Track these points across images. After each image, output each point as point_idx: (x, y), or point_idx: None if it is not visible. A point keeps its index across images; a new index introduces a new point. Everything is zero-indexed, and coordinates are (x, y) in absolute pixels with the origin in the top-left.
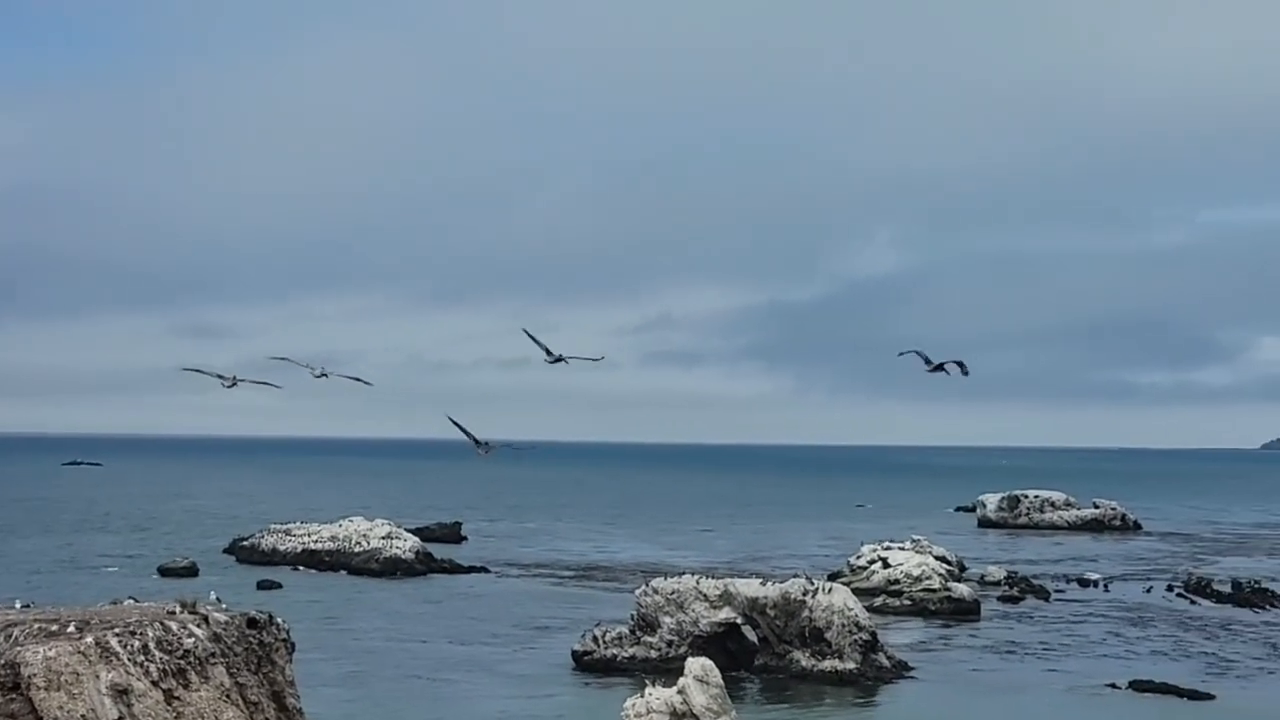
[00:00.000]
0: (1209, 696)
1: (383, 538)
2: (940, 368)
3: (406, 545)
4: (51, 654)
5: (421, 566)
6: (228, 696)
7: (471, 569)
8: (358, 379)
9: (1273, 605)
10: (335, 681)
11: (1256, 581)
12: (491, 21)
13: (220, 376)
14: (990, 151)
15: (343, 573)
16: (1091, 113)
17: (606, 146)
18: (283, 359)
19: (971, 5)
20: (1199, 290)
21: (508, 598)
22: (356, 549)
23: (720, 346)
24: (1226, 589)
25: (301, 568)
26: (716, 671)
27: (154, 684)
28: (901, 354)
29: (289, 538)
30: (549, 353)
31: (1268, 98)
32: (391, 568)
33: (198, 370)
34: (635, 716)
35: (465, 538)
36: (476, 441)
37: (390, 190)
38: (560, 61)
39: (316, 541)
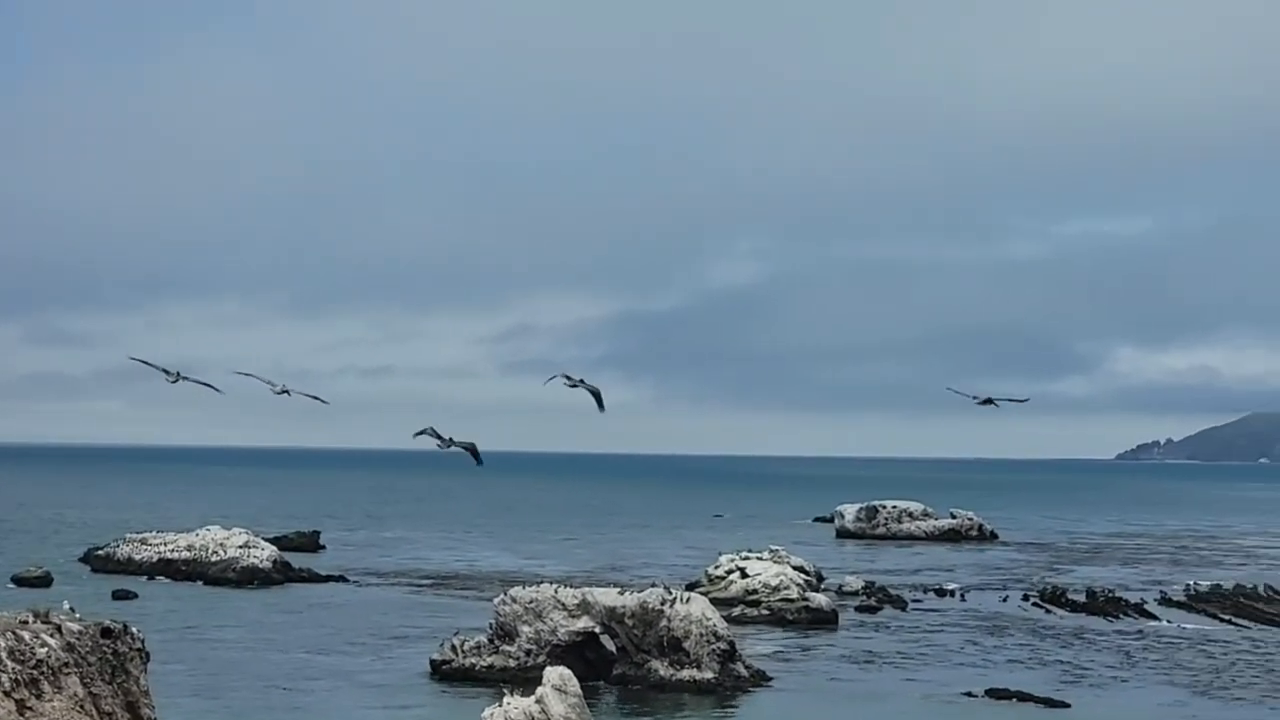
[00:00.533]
0: (1064, 704)
1: (240, 547)
2: (989, 401)
3: (264, 554)
4: None
5: (279, 576)
6: (81, 707)
7: (330, 578)
8: (316, 397)
9: (1126, 614)
10: (191, 691)
11: (1110, 590)
12: (350, 27)
13: (165, 371)
14: (852, 161)
15: (199, 582)
16: (953, 125)
17: (467, 153)
18: (246, 374)
19: (838, 17)
20: (1057, 302)
21: (366, 607)
22: (213, 558)
23: (579, 355)
24: (1081, 598)
25: (158, 577)
26: (575, 681)
27: (6, 694)
28: (949, 389)
29: (145, 547)
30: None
31: (1124, 113)
32: (249, 577)
33: (144, 362)
34: None
35: (324, 546)
36: (451, 442)
37: (248, 198)
38: (421, 66)
39: (173, 551)
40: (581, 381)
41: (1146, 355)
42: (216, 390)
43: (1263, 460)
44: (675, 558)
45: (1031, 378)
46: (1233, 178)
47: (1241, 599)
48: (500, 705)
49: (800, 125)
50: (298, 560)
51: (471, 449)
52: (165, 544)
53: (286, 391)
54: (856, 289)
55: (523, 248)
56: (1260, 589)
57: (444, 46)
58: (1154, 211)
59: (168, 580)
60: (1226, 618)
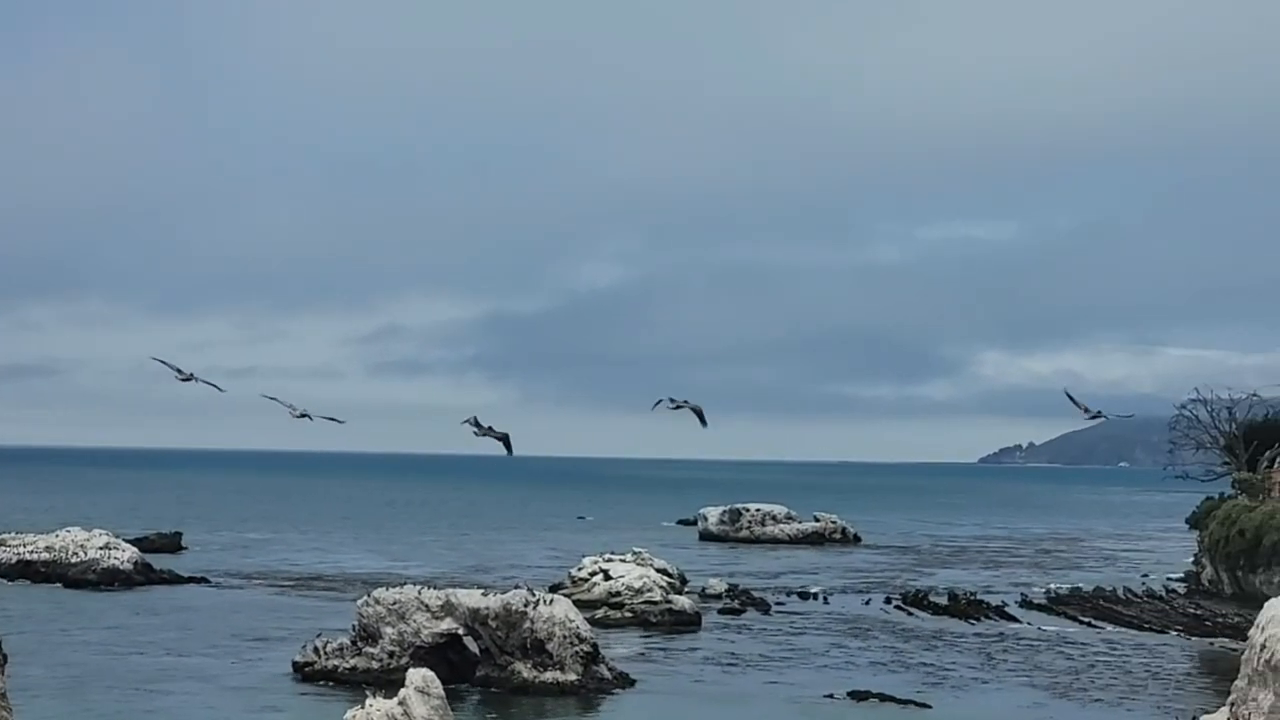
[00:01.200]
0: (925, 705)
1: (100, 548)
2: (1099, 414)
3: (125, 555)
4: None
5: (140, 577)
6: None
7: (192, 579)
8: (333, 418)
9: (987, 616)
10: (50, 694)
11: (972, 593)
12: (217, 23)
13: (178, 370)
14: (719, 164)
15: (59, 584)
16: (818, 128)
17: (335, 152)
18: (271, 398)
19: (705, 18)
20: (922, 305)
21: (228, 608)
22: (73, 559)
23: (446, 357)
24: (943, 601)
25: (18, 580)
26: (438, 683)
27: None
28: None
29: (3, 549)
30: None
31: (989, 118)
32: (109, 578)
33: (164, 362)
34: None
35: (186, 548)
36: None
37: (113, 197)
38: (290, 65)
39: (32, 552)
40: (685, 403)
41: (1011, 359)
42: (220, 389)
43: (1122, 464)
44: (539, 559)
45: (897, 381)
46: (1097, 183)
47: (1101, 601)
48: (362, 707)
49: (667, 128)
50: (159, 562)
51: (505, 439)
52: (24, 545)
53: (306, 415)
54: (722, 292)
55: (391, 248)
56: (1119, 591)
57: (314, 44)
58: (1019, 216)
59: (27, 582)
60: (1086, 620)
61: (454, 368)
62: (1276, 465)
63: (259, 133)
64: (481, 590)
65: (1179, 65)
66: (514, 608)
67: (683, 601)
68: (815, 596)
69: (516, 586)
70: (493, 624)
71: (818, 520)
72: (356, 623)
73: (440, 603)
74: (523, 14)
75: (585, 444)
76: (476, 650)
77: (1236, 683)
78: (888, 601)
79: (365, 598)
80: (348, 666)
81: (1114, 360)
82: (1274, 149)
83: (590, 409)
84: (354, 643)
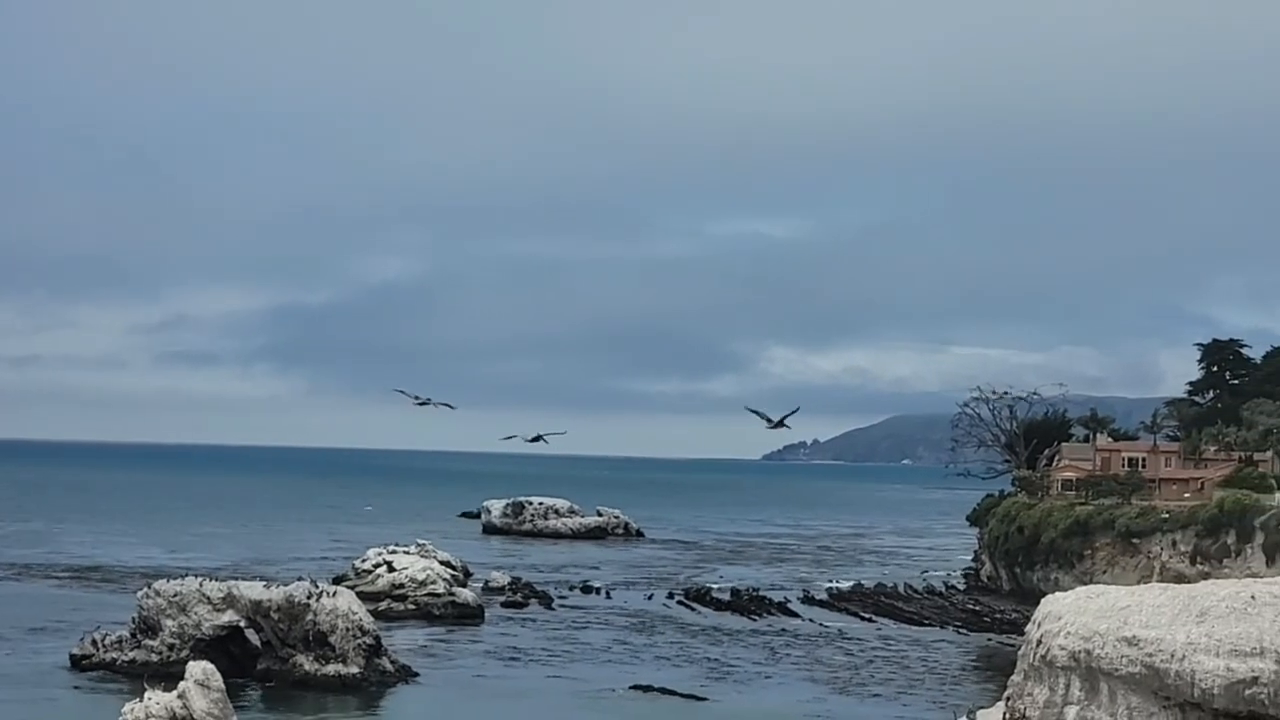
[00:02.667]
0: (704, 699)
1: None
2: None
3: None
4: None
5: None
6: None
7: None
8: (448, 404)
9: (770, 612)
10: None
11: (755, 589)
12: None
13: (415, 397)
14: (509, 158)
15: None
16: (611, 122)
17: (120, 140)
18: (399, 391)
19: (496, 13)
20: (711, 301)
21: (5, 600)
22: None
23: (234, 347)
24: (726, 596)
25: None
26: (218, 675)
27: None
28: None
29: None
30: (418, 398)
31: (782, 116)
32: None
33: (403, 392)
34: None
35: None
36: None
37: None
38: (66, 53)
39: None
40: (782, 420)
41: (800, 356)
42: (452, 407)
43: (905, 461)
44: (323, 551)
45: (686, 376)
46: (890, 183)
47: (881, 597)
48: (141, 700)
49: (457, 121)
50: None
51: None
52: None
53: (428, 401)
54: (510, 286)
55: (179, 238)
56: (900, 588)
57: (99, 31)
58: (811, 214)
59: None
60: (867, 616)
61: (242, 358)
62: (1056, 463)
63: (45, 120)
64: (264, 582)
65: (971, 70)
66: (296, 600)
67: (466, 594)
68: (598, 591)
69: (299, 578)
70: (275, 616)
71: (601, 515)
72: (136, 615)
73: (222, 595)
74: (313, 6)
75: (372, 436)
76: (258, 643)
77: (1013, 678)
78: (670, 597)
79: (146, 590)
80: (126, 659)
81: (901, 358)
82: (1063, 152)
83: (377, 401)
84: (133, 635)
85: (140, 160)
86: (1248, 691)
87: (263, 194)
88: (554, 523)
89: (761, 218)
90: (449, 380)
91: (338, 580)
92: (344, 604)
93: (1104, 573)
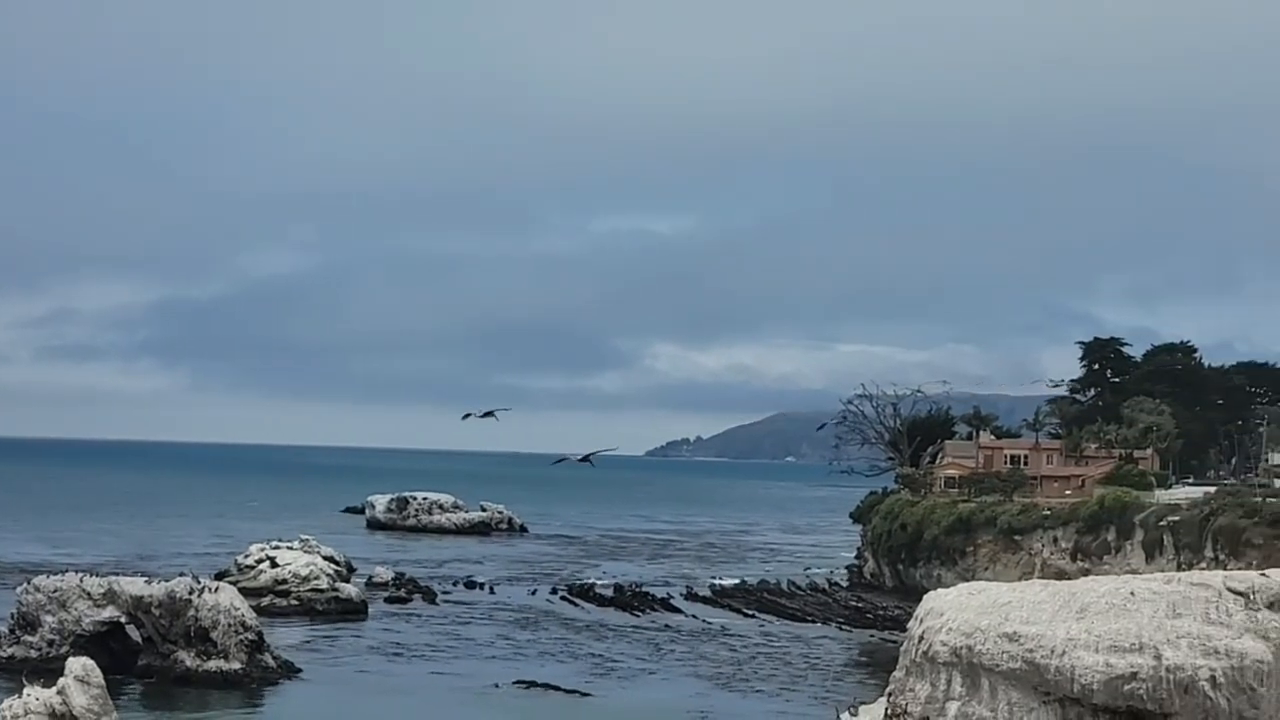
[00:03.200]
0: (589, 695)
1: None
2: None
3: None
4: None
5: None
6: None
7: None
8: (505, 408)
9: (653, 608)
10: None
11: (638, 585)
12: None
13: (488, 412)
14: (398, 153)
15: None
16: (499, 118)
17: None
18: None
19: (386, 6)
20: (597, 298)
21: None
22: None
23: (118, 341)
24: (609, 592)
25: None
26: (98, 672)
27: None
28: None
29: None
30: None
31: (669, 113)
32: None
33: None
34: (13, 718)
35: None
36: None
37: None
38: None
39: None
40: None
41: (684, 353)
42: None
43: (789, 458)
44: (206, 547)
45: (571, 373)
46: (775, 179)
47: (764, 594)
48: (20, 697)
49: (348, 115)
50: None
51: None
52: None
53: (492, 413)
54: (400, 281)
55: (63, 230)
56: (783, 584)
57: None
58: (699, 210)
59: None
60: (750, 612)
61: (125, 353)
62: (939, 460)
63: None
64: (145, 578)
65: (861, 68)
66: (178, 596)
67: (349, 589)
68: (482, 586)
69: (181, 574)
70: (156, 612)
71: (485, 510)
72: (15, 611)
73: (102, 590)
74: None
75: (257, 431)
76: (139, 639)
77: (895, 674)
78: (554, 592)
79: (25, 585)
80: (5, 655)
81: (787, 355)
82: (952, 152)
83: (263, 396)
84: (12, 631)
85: (21, 152)
86: (1126, 687)
87: (149, 186)
88: (438, 518)
89: (649, 214)
90: (336, 376)
91: (220, 576)
92: (226, 600)
93: (986, 569)
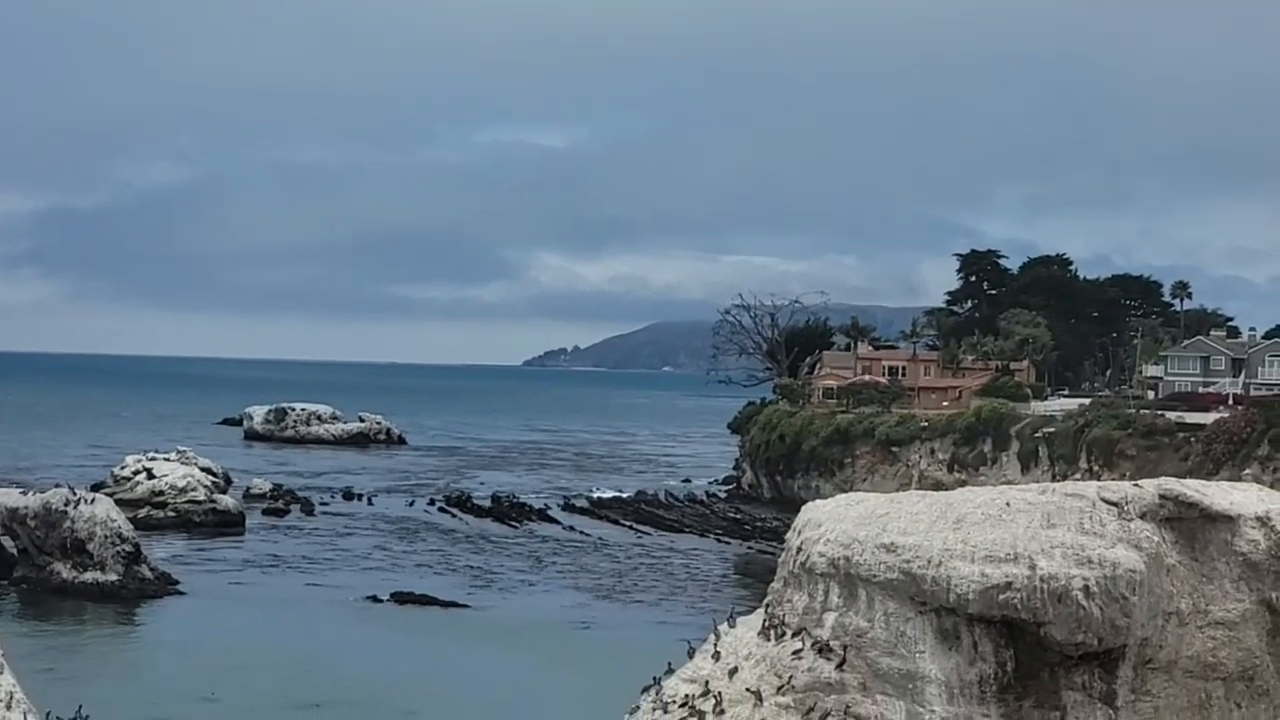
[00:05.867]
0: (466, 606)
1: None
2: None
3: None
4: None
5: None
6: None
7: None
8: None
9: (531, 519)
10: None
11: (515, 496)
12: None
13: None
14: (283, 64)
15: None
16: (385, 27)
17: None
18: None
19: None
20: (482, 208)
21: None
22: None
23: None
24: (487, 503)
25: None
26: None
27: None
28: None
29: None
30: None
31: (556, 22)
32: None
33: None
34: None
35: None
36: None
37: None
38: None
39: None
40: None
41: (569, 264)
42: None
43: (666, 368)
44: (82, 458)
45: (456, 284)
46: (663, 90)
47: (643, 505)
48: None
49: (233, 25)
50: None
51: None
52: None
53: None
54: (285, 192)
55: None
56: (661, 495)
57: None
58: (585, 124)
59: None
60: (628, 523)
61: (6, 262)
62: (817, 371)
63: None
64: (20, 489)
65: None
66: (54, 507)
67: (227, 501)
68: (360, 497)
69: (57, 485)
70: (32, 524)
71: (363, 421)
72: None
73: None
74: None
75: (137, 342)
76: (14, 550)
77: (773, 585)
78: (432, 504)
79: None
80: None
81: (671, 266)
82: (841, 62)
83: (143, 307)
84: None
85: None
86: (1001, 596)
87: (34, 98)
88: (316, 429)
89: (537, 126)
90: (217, 287)
91: (96, 488)
92: (103, 512)
93: (864, 480)
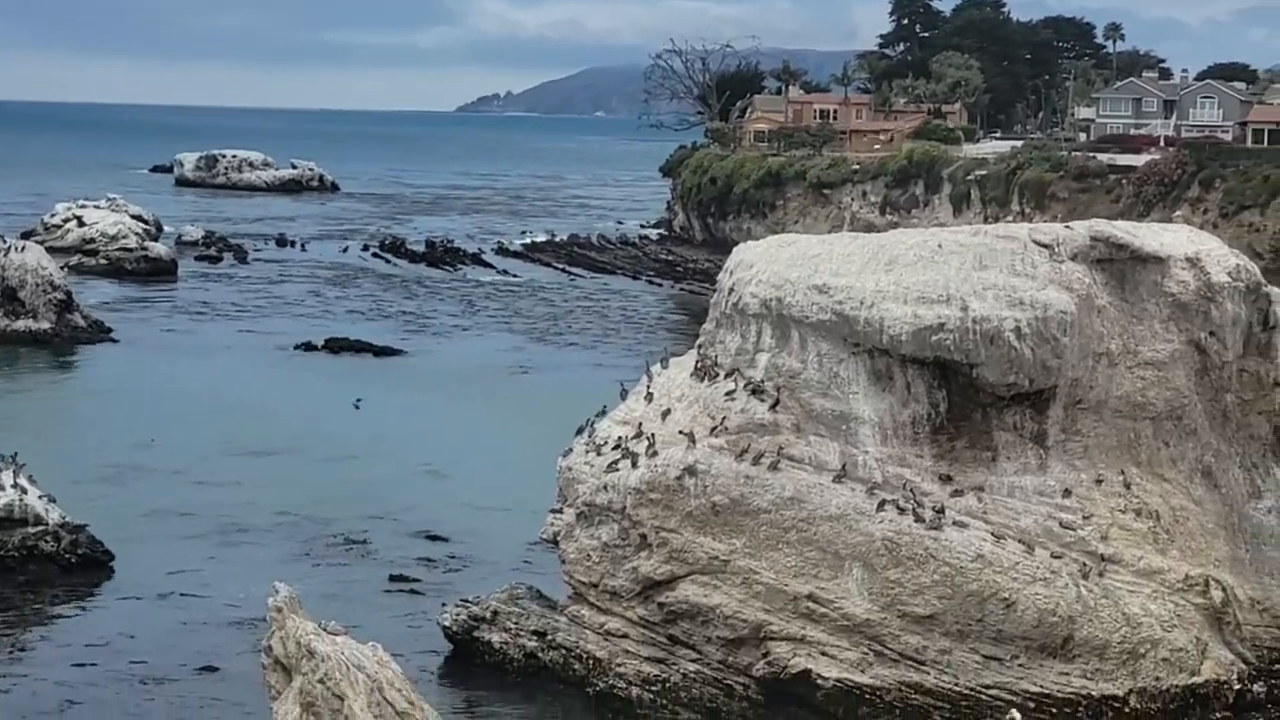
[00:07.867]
0: (400, 352)
1: None
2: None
3: None
4: None
5: None
6: None
7: None
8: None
9: (464, 264)
10: None
11: (450, 241)
12: None
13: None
14: None
15: None
16: None
17: None
18: None
19: None
20: None
21: None
22: None
23: None
24: (420, 249)
25: None
26: None
27: None
28: None
29: None
30: None
31: None
32: None
33: None
34: None
35: None
36: None
37: None
38: None
39: None
40: None
41: (510, 10)
42: None
43: (599, 113)
44: (10, 206)
45: (394, 28)
46: None
47: (575, 248)
48: None
49: None
50: None
51: None
52: None
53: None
54: None
55: None
56: (594, 238)
57: None
58: None
59: None
60: (561, 266)
61: None
62: (748, 115)
63: None
64: None
65: None
66: None
67: (159, 248)
68: (293, 244)
69: None
70: None
71: (295, 168)
72: None
73: None
74: None
75: (59, 89)
76: None
77: (705, 326)
78: (365, 249)
79: None
80: None
81: (606, 10)
82: None
83: (71, 52)
84: None
85: None
86: (934, 337)
87: None
88: (248, 175)
89: None
90: (150, 33)
91: (26, 236)
92: (33, 259)
93: (796, 222)
